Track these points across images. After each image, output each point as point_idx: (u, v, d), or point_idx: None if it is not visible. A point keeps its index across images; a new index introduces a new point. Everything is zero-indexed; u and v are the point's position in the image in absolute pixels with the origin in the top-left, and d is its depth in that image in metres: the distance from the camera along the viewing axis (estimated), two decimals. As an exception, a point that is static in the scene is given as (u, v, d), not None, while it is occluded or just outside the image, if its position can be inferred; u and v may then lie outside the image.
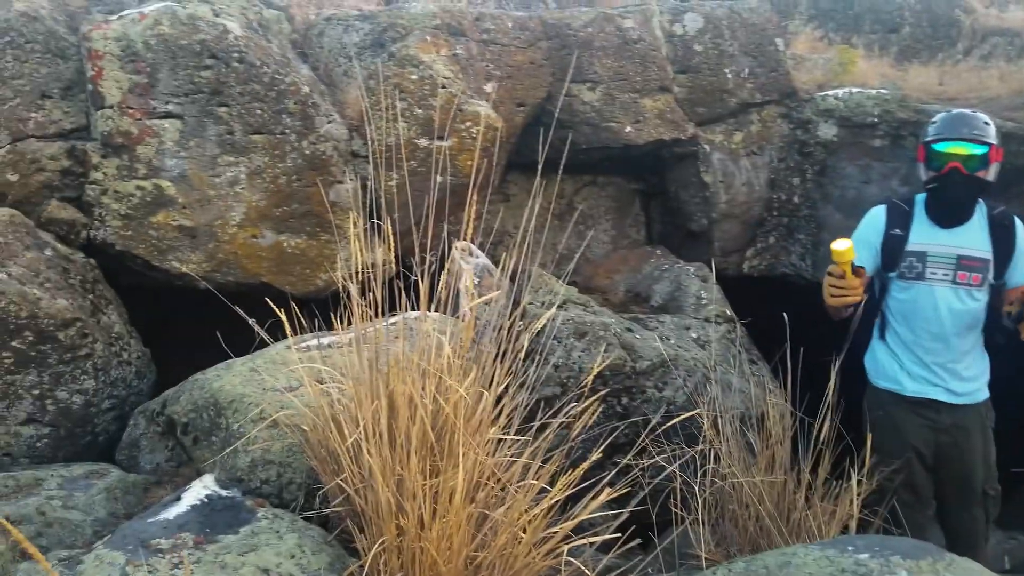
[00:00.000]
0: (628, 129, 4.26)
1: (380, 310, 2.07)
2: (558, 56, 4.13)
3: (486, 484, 1.80)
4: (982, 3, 6.85)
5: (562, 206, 4.41)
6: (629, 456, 2.22)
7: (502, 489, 1.83)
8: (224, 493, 2.09)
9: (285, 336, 2.36)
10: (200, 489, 2.09)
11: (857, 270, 2.56)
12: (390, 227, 2.22)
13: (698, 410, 2.33)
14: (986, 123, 2.79)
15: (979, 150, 2.72)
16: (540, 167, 2.36)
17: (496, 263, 3.30)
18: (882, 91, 4.68)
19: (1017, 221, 2.85)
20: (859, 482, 2.37)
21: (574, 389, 2.87)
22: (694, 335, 3.49)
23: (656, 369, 3.12)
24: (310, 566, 1.75)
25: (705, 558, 2.14)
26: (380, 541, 1.67)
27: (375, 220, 3.14)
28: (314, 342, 2.51)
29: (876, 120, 4.49)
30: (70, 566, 1.77)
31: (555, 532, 1.76)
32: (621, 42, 4.32)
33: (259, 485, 2.16)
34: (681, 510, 2.33)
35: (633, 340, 3.19)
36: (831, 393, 2.43)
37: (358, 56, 3.78)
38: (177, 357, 3.40)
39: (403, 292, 2.17)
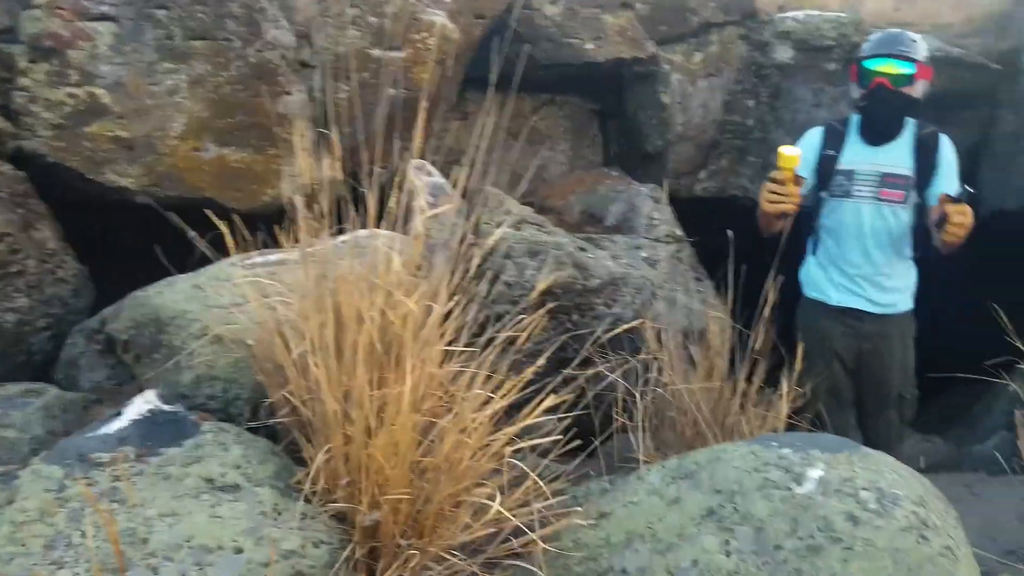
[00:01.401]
0: (589, 46, 4.14)
1: (328, 224, 2.02)
2: (518, -34, 3.97)
3: (433, 394, 1.81)
4: (944, -73, 6.78)
5: (519, 125, 4.31)
6: (573, 365, 2.25)
7: (450, 399, 1.84)
8: (167, 408, 2.05)
9: (230, 254, 2.30)
10: (142, 404, 2.06)
11: (798, 179, 2.63)
12: (339, 141, 2.15)
13: (640, 320, 2.38)
14: (913, 40, 2.85)
15: (906, 67, 2.78)
16: (494, 81, 2.30)
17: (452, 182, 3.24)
18: (840, 15, 4.65)
19: (943, 140, 2.90)
20: (788, 389, 2.48)
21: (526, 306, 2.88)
22: (644, 254, 3.52)
23: (606, 287, 3.14)
24: (255, 475, 1.75)
25: (644, 461, 2.21)
26: (326, 448, 1.67)
27: (324, 131, 3.03)
28: (260, 259, 2.45)
29: (832, 44, 4.48)
30: (6, 481, 1.73)
31: (499, 437, 1.78)
32: (585, -48, 4.16)
33: (204, 401, 2.14)
34: (623, 417, 2.40)
35: (586, 259, 3.19)
36: (766, 307, 2.53)
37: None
38: (116, 275, 3.30)
39: (353, 208, 2.12)
